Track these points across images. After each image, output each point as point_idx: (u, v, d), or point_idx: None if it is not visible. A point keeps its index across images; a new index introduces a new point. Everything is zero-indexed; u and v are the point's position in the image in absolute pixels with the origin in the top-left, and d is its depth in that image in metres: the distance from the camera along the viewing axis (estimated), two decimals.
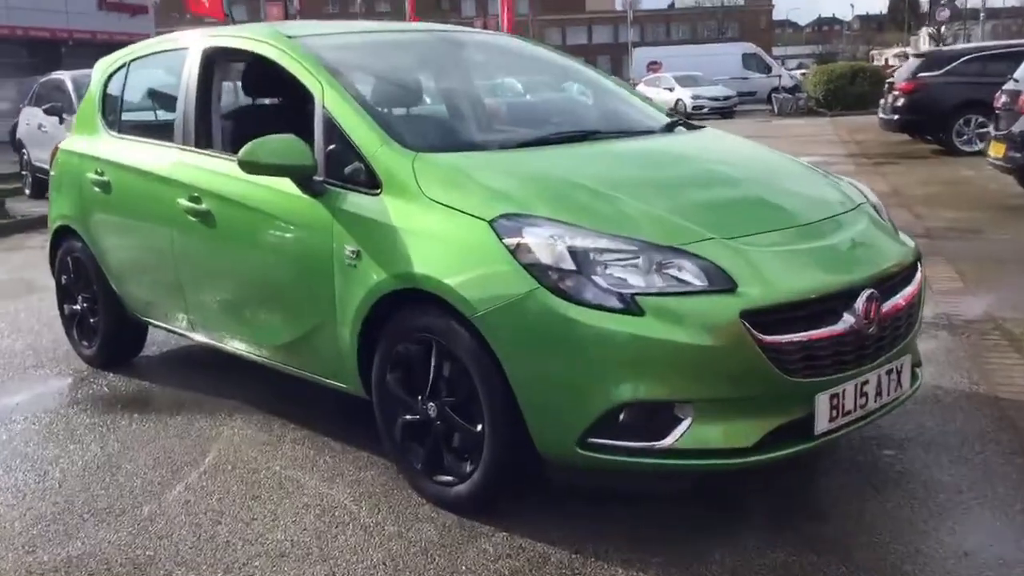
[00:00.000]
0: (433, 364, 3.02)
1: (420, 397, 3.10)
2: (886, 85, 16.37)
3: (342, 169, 3.27)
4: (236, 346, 3.98)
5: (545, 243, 2.74)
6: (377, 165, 3.17)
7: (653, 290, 2.66)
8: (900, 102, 14.07)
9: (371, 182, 3.17)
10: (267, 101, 4.57)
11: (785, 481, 3.23)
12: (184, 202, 3.88)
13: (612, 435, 2.70)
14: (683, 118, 4.21)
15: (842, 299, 2.80)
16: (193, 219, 3.86)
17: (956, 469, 3.26)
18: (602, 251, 2.72)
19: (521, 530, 2.93)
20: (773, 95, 29.18)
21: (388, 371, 3.17)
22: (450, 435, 3.05)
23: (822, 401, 2.75)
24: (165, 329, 4.53)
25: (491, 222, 2.84)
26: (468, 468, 3.00)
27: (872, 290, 2.86)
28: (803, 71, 40.28)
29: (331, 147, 3.32)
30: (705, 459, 2.70)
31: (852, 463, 3.34)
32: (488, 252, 2.82)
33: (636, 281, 2.67)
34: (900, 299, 3.01)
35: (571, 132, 3.70)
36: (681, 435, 2.66)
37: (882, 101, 15.61)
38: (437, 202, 2.99)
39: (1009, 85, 9.11)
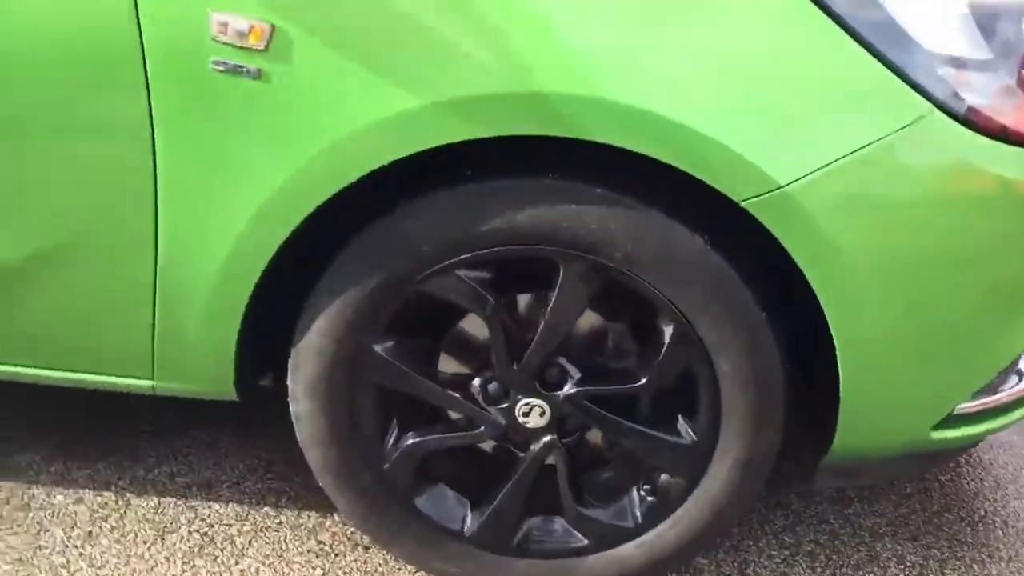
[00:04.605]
0: (552, 310, 1.24)
1: (486, 384, 1.32)
2: None
3: None
4: None
5: None
6: None
7: None
8: None
9: None
10: None
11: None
12: None
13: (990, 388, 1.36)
14: None
15: None
16: None
17: None
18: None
19: None
20: None
21: (372, 337, 1.27)
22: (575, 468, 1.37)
23: None
24: None
25: None
26: (634, 515, 1.37)
27: None
28: None
29: None
30: None
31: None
32: (789, 29, 1.11)
33: None
34: None
35: None
36: None
37: None
38: None
39: None
